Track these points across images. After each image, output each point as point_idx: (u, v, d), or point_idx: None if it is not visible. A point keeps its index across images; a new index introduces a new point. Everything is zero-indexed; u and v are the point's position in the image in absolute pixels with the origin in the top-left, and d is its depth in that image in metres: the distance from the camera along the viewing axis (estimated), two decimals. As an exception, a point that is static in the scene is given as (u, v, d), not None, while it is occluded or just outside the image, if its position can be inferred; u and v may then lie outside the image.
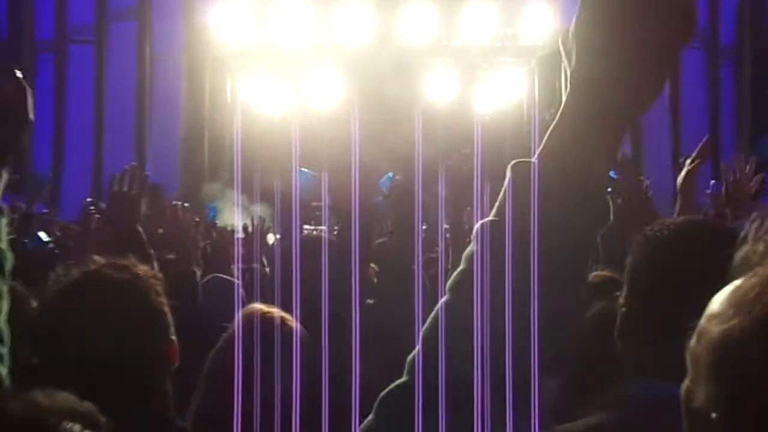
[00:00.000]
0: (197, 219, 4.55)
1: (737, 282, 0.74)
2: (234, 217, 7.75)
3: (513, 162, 0.87)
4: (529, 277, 0.79)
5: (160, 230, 3.64)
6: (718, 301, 0.75)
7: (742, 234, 1.10)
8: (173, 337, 1.50)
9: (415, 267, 2.43)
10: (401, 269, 2.61)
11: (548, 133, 0.86)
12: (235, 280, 3.08)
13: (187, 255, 3.19)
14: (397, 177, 3.80)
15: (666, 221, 1.55)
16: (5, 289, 1.07)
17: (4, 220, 1.12)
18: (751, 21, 12.10)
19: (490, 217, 0.86)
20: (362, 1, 11.52)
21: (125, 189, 2.84)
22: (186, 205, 4.42)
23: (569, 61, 0.86)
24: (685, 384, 0.76)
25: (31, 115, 1.25)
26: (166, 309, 1.49)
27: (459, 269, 0.88)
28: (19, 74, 1.27)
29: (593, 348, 1.63)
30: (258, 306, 1.76)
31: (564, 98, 0.86)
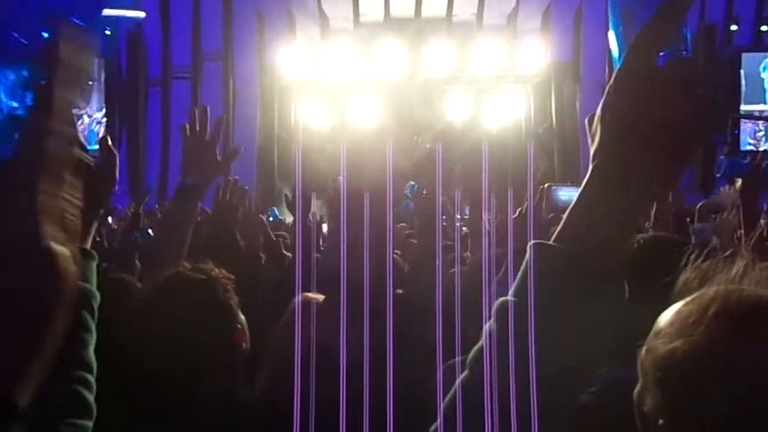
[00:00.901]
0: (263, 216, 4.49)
1: (680, 305, 0.70)
2: (295, 213, 7.97)
3: (534, 242, 0.69)
4: (546, 361, 0.64)
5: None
6: (663, 321, 0.70)
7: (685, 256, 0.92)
8: (240, 326, 1.47)
9: (437, 262, 2.30)
10: (426, 263, 2.48)
11: (568, 213, 0.69)
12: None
13: (255, 244, 3.04)
14: (418, 186, 3.68)
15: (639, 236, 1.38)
16: (93, 325, 0.98)
17: (94, 263, 1.02)
18: (704, 54, 11.88)
19: (511, 297, 0.69)
20: (394, 42, 11.64)
21: (227, 198, 2.70)
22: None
23: (592, 141, 0.69)
24: (637, 389, 0.72)
25: (117, 175, 1.16)
26: (233, 303, 1.45)
27: (478, 346, 0.71)
28: (109, 141, 1.18)
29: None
30: (309, 294, 1.67)
31: (585, 181, 0.68)
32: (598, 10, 12.05)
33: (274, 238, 3.31)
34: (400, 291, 2.36)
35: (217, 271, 1.48)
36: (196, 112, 1.84)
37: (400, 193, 5.17)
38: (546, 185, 2.34)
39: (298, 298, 1.58)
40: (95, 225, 1.09)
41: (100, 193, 1.09)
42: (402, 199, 5.21)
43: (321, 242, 3.31)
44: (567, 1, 11.94)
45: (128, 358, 1.28)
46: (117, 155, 1.17)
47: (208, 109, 1.86)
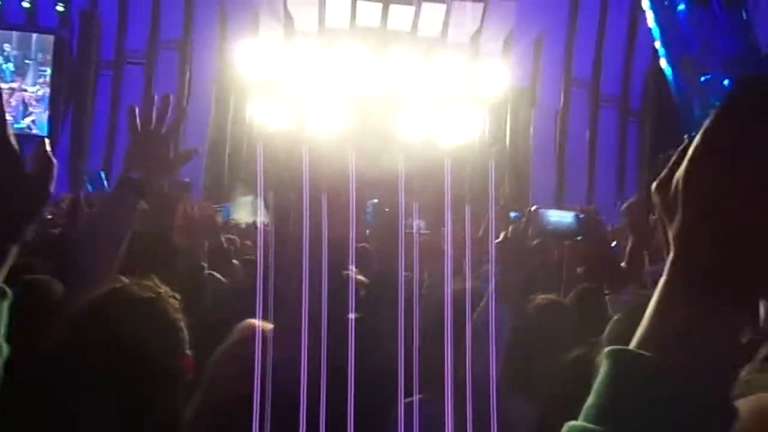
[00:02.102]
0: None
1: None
2: (247, 214, 7.73)
3: (611, 349, 0.52)
4: None
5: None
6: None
7: None
8: (188, 352, 1.28)
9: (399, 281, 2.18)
10: (386, 283, 2.42)
11: (650, 317, 0.51)
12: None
13: (197, 251, 2.65)
14: (379, 202, 3.54)
15: (647, 292, 1.25)
16: None
17: (6, 303, 0.80)
18: (654, 89, 12.28)
19: (589, 424, 0.50)
20: (358, 49, 11.56)
21: (166, 191, 2.37)
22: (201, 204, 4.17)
23: (670, 218, 0.51)
24: None
25: (52, 190, 0.88)
26: (183, 325, 1.28)
27: None
28: (47, 146, 0.89)
29: (569, 390, 1.41)
30: (253, 321, 1.50)
31: (667, 273, 0.51)
32: (558, 38, 12.31)
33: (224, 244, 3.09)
34: (355, 315, 2.23)
35: (164, 288, 1.30)
36: (156, 99, 1.58)
37: (364, 204, 5.05)
38: (534, 208, 2.23)
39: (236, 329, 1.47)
40: (13, 252, 0.82)
41: (23, 210, 0.84)
42: (364, 209, 5.08)
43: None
44: (528, 27, 12.14)
45: (48, 390, 1.11)
46: (55, 165, 0.88)
47: (172, 98, 1.61)
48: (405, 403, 1.81)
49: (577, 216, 2.14)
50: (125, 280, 1.30)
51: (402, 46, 11.75)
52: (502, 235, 2.00)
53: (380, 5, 12.01)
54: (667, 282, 0.51)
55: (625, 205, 2.37)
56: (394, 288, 2.05)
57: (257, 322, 1.52)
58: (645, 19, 12.25)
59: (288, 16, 12.30)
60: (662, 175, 0.53)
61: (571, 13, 12.23)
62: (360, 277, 3.15)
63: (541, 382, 1.84)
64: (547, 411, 1.52)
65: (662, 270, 0.52)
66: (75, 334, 1.21)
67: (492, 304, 1.74)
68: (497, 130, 12.08)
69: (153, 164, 1.57)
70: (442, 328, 1.82)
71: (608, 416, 0.49)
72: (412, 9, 12.03)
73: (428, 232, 4.69)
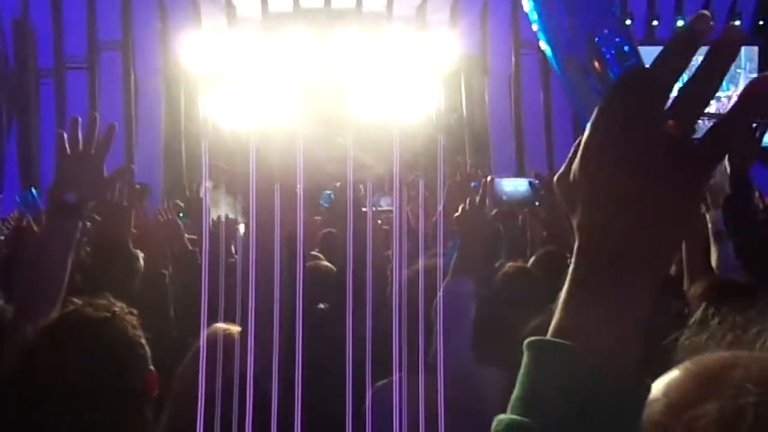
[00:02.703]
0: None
1: (678, 374, 0.55)
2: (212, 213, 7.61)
3: (529, 340, 0.55)
4: None
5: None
6: (656, 389, 0.55)
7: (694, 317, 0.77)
8: (151, 368, 1.27)
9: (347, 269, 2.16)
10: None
11: (562, 302, 0.54)
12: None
13: (158, 257, 2.58)
14: (334, 194, 3.51)
15: None
16: None
17: None
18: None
19: (515, 415, 0.52)
20: (303, 33, 11.40)
21: (118, 198, 2.25)
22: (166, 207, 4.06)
23: (571, 210, 0.54)
24: None
25: None
26: (143, 342, 1.26)
27: None
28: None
29: None
30: (220, 326, 1.50)
31: (573, 261, 0.54)
32: (503, 3, 12.31)
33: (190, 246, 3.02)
34: (322, 306, 2.21)
35: (119, 305, 1.27)
36: (80, 121, 1.55)
37: (321, 192, 5.00)
38: (489, 178, 2.24)
39: (203, 334, 1.44)
40: None
41: None
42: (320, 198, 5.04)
43: (234, 249, 3.07)
44: (474, -7, 12.12)
45: (5, 418, 1.09)
46: None
47: (97, 117, 1.56)
48: (379, 385, 1.81)
49: (531, 183, 2.15)
50: (77, 301, 1.27)
51: (348, 24, 11.62)
52: (459, 208, 2.00)
53: (323, -16, 11.86)
54: (573, 270, 0.54)
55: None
56: (359, 275, 2.05)
57: (223, 325, 1.51)
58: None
59: (230, 4, 12.04)
60: (561, 169, 0.56)
61: (514, -24, 12.25)
62: (326, 263, 3.14)
63: (511, 351, 1.86)
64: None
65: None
66: (30, 362, 1.18)
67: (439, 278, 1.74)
68: (452, 100, 12.09)
69: (85, 186, 1.54)
70: (409, 309, 1.82)
71: (531, 406, 0.51)
72: (355, -15, 11.91)
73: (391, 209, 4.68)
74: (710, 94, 0.50)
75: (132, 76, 11.78)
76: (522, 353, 0.56)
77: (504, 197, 2.19)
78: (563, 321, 0.53)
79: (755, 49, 12.62)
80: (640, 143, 0.50)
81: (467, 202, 2.00)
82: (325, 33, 11.50)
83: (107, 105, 11.38)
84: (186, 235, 3.16)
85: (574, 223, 0.54)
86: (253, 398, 1.19)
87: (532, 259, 2.47)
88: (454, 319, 1.65)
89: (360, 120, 10.96)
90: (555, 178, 0.56)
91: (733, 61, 0.49)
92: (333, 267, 2.86)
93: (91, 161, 1.53)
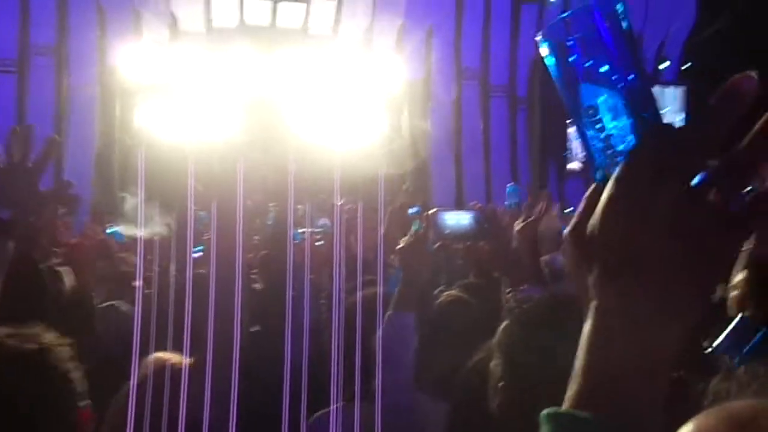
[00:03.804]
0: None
1: (708, 420, 0.53)
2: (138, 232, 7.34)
3: (548, 413, 0.53)
4: None
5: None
6: None
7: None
8: (83, 404, 1.17)
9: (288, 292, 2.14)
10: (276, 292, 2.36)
11: (581, 370, 0.52)
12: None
13: (87, 280, 2.44)
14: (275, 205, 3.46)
15: (534, 298, 1.17)
16: None
17: None
18: (540, 77, 12.85)
19: None
20: (248, 50, 11.31)
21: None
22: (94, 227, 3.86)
23: (588, 266, 0.51)
24: None
25: None
26: (77, 376, 1.17)
27: None
28: None
29: (473, 394, 1.36)
30: (158, 355, 1.44)
31: (590, 327, 0.52)
32: (447, 29, 12.60)
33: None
34: (257, 328, 2.16)
35: (50, 336, 1.17)
36: (17, 132, 1.40)
37: (263, 211, 4.92)
38: (432, 211, 2.25)
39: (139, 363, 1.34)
40: None
41: None
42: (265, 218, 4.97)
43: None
44: (419, 20, 12.35)
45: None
46: None
47: (33, 128, 1.46)
48: (316, 417, 1.78)
49: (474, 216, 2.19)
50: (5, 330, 1.17)
51: (293, 44, 11.61)
52: (402, 241, 2.00)
53: (269, 3, 11.81)
54: (592, 332, 0.51)
55: (517, 227, 2.42)
56: (282, 298, 2.01)
57: (165, 355, 1.44)
58: (526, 9, 12.81)
59: (172, 16, 11.83)
60: (573, 222, 0.53)
61: (457, 5, 12.56)
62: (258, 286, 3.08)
63: (448, 381, 1.87)
64: (455, 412, 1.53)
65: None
66: None
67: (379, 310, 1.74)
68: (394, 125, 12.22)
69: (21, 201, 1.41)
70: (348, 336, 1.81)
71: None
72: (303, 6, 11.91)
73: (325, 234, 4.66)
74: (756, 164, 0.47)
75: (65, 83, 11.36)
76: (457, 385, 0.55)
77: (447, 231, 2.22)
78: (583, 388, 0.51)
79: (681, 90, 13.39)
80: (671, 205, 0.47)
81: (411, 234, 2.00)
82: (270, 51, 11.45)
83: (37, 111, 10.92)
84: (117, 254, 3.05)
85: (590, 280, 0.51)
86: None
87: (460, 290, 2.49)
88: (395, 353, 1.65)
89: (301, 141, 10.90)
90: (568, 230, 0.53)
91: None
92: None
93: (27, 175, 1.40)
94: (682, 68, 13.76)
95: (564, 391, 1.01)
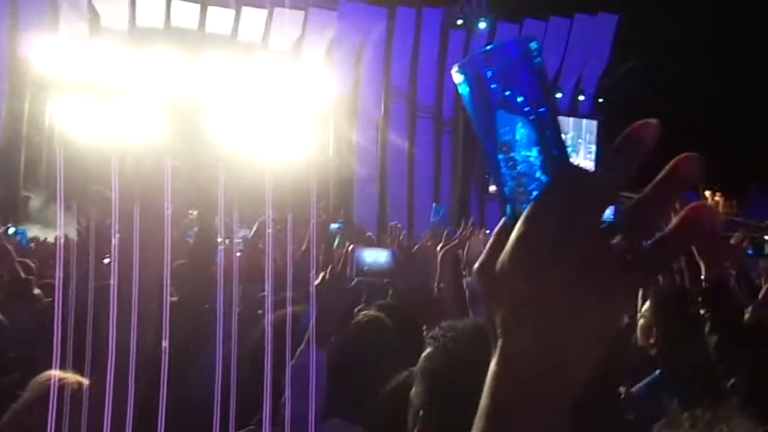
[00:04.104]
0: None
1: None
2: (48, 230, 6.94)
3: None
4: None
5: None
6: None
7: None
8: None
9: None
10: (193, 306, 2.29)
11: (484, 408, 0.52)
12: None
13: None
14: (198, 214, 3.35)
15: (455, 324, 1.18)
16: None
17: None
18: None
19: None
20: (172, 52, 10.99)
21: None
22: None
23: (496, 304, 0.52)
24: None
25: None
26: None
27: None
28: None
29: (391, 417, 1.35)
30: (53, 373, 1.31)
31: (493, 363, 0.52)
32: (377, 49, 12.75)
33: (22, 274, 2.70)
34: (165, 344, 2.07)
35: None
36: None
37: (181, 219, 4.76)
38: (351, 247, 2.26)
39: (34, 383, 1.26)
40: None
41: None
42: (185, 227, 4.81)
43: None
44: (349, 36, 12.43)
45: None
46: None
47: None
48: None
49: (392, 254, 2.21)
50: None
51: (221, 50, 11.39)
52: (320, 278, 1.97)
53: (198, 6, 11.54)
54: (495, 372, 0.51)
55: (439, 252, 2.47)
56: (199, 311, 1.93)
57: (60, 373, 1.31)
58: (455, 35, 13.17)
59: (93, 11, 11.35)
60: (482, 258, 0.53)
61: (388, 25, 12.73)
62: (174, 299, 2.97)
63: (362, 404, 1.86)
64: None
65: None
66: None
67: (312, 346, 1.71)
68: (322, 138, 12.19)
69: None
70: (258, 359, 1.76)
71: None
72: (231, 12, 11.72)
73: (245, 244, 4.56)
74: (663, 213, 0.49)
75: (-31, 73, 10.65)
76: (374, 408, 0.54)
77: (365, 267, 2.25)
78: (484, 430, 0.50)
79: (595, 123, 14.17)
80: (579, 249, 0.48)
81: (328, 270, 1.98)
82: (196, 55, 11.16)
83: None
84: (18, 260, 2.84)
85: (497, 319, 0.51)
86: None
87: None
88: (305, 388, 1.62)
89: (228, 149, 10.67)
90: (476, 266, 0.53)
91: (687, 181, 0.49)
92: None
93: None
94: (597, 102, 14.59)
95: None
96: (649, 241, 0.49)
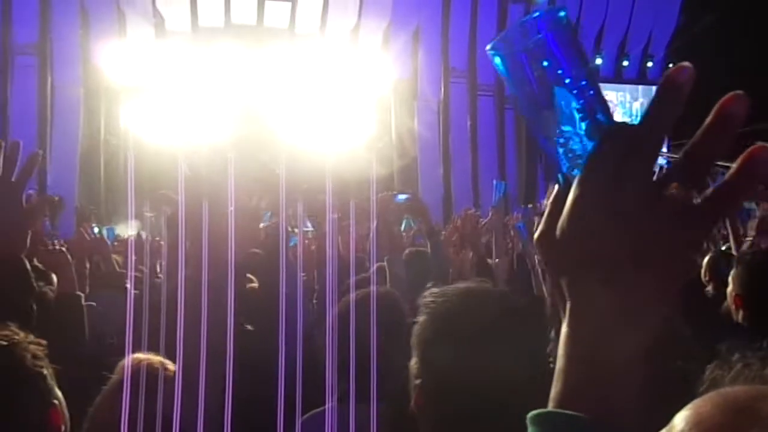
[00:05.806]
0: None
1: (705, 406, 0.53)
2: (128, 230, 7.29)
3: (535, 415, 0.53)
4: None
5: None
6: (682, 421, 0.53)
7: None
8: (56, 402, 1.16)
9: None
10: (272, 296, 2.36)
11: (561, 367, 0.53)
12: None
13: (70, 279, 2.36)
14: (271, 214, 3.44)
15: (446, 290, 1.15)
16: None
17: None
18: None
19: None
20: (235, 49, 11.27)
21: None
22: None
23: (560, 268, 0.53)
24: None
25: None
26: (47, 373, 1.16)
27: None
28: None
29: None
30: (141, 356, 1.39)
31: (566, 327, 0.53)
32: (434, 30, 12.64)
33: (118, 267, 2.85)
34: (249, 327, 2.15)
35: (22, 334, 1.17)
36: (5, 145, 1.38)
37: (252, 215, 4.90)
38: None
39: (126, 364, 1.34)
40: None
41: None
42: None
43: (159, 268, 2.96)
44: (405, 20, 12.37)
45: None
46: None
47: (21, 144, 1.42)
48: (309, 416, 1.78)
49: None
50: None
51: (280, 43, 11.59)
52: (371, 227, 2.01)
53: (255, 2, 11.77)
54: (569, 332, 0.52)
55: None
56: (276, 298, 2.00)
57: (143, 356, 1.39)
58: (513, 9, 12.86)
59: (158, 15, 11.76)
60: (541, 227, 0.54)
61: (444, 5, 12.59)
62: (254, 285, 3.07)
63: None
64: (385, 415, 1.51)
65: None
66: None
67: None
68: (382, 124, 12.23)
69: (5, 216, 1.39)
70: (342, 336, 1.81)
71: None
72: (288, 5, 11.89)
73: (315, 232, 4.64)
74: (715, 156, 0.49)
75: (49, 83, 11.25)
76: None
77: None
78: (566, 387, 0.52)
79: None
80: (635, 202, 0.49)
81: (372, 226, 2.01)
82: (257, 51, 11.41)
83: (20, 111, 10.82)
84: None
85: (563, 282, 0.52)
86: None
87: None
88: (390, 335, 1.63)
89: (290, 141, 10.88)
90: (536, 235, 0.54)
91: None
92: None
93: (11, 190, 1.38)
94: (668, 67, 13.92)
95: (480, 387, 1.02)
96: (708, 189, 0.49)
